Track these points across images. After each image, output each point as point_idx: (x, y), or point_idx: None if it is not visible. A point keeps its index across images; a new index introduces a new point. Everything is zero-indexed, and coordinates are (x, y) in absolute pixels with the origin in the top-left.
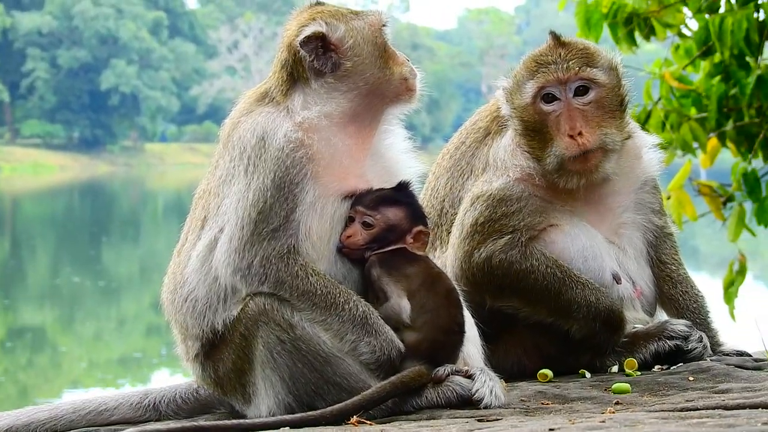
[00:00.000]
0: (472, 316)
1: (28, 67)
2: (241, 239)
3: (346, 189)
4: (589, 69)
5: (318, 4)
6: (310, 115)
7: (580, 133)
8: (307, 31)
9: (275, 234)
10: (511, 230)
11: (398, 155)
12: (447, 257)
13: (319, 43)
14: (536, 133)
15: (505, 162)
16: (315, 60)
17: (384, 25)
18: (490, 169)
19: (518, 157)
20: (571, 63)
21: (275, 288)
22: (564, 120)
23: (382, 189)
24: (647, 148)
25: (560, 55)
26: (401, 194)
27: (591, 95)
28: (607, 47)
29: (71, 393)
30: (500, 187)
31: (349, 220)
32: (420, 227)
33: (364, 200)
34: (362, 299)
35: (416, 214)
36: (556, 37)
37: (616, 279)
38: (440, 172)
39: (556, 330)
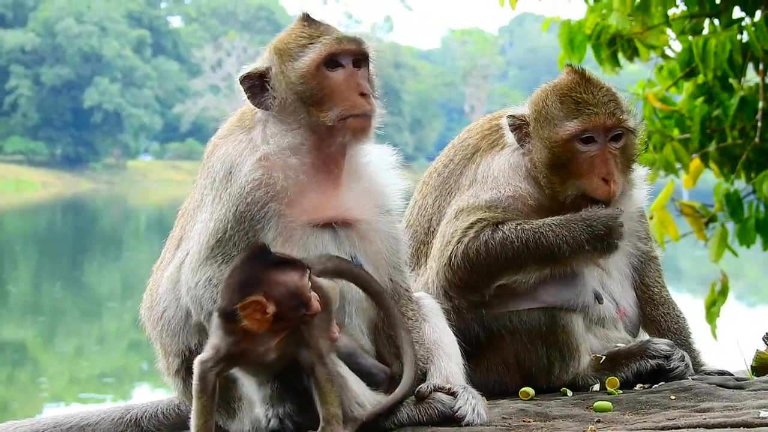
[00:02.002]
0: (455, 335)
1: (11, 84)
2: (197, 261)
3: (319, 219)
4: (625, 116)
5: (306, 21)
6: (270, 150)
7: (612, 180)
8: (245, 70)
9: (226, 260)
10: (483, 225)
11: (378, 174)
12: (429, 270)
13: (256, 81)
14: (561, 168)
15: (498, 179)
16: (251, 97)
17: (328, 61)
18: (477, 184)
19: (516, 179)
20: (614, 110)
21: (206, 319)
22: (599, 163)
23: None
24: (638, 180)
25: (594, 95)
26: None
27: (622, 141)
28: (590, 68)
29: (52, 408)
30: (489, 198)
31: None
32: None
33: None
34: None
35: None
36: (580, 73)
37: (598, 298)
38: (428, 191)
39: (546, 333)
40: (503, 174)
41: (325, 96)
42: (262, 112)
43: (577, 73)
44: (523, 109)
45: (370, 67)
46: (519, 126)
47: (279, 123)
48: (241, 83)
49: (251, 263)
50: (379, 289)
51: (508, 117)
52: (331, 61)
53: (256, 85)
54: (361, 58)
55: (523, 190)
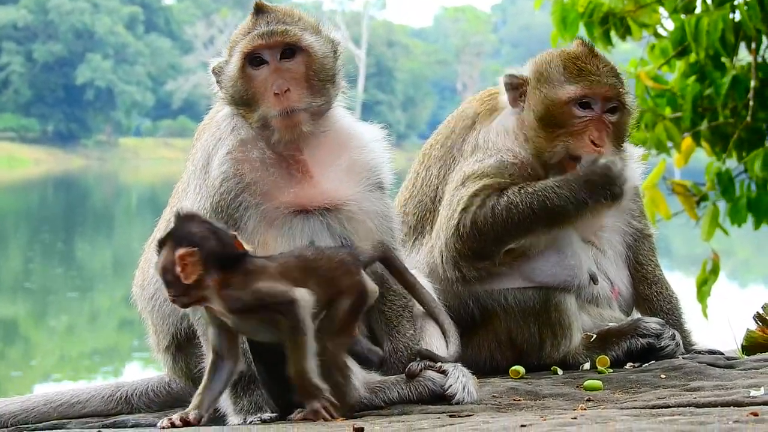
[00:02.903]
0: (449, 313)
1: (3, 60)
2: None
3: (298, 205)
4: (624, 93)
5: (254, 12)
6: (235, 144)
7: (603, 146)
8: (212, 63)
9: None
10: (489, 191)
11: (361, 151)
12: (437, 240)
13: (218, 77)
14: (551, 126)
15: (497, 144)
16: (221, 89)
17: (250, 60)
18: (479, 150)
19: (512, 142)
20: (616, 83)
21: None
22: (592, 127)
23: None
24: (633, 160)
25: (598, 68)
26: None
27: (617, 115)
28: None
29: (43, 386)
30: (493, 163)
31: None
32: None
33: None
34: (249, 354)
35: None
36: (589, 47)
37: (593, 279)
38: (431, 162)
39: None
40: (501, 138)
41: (249, 97)
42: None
43: (586, 47)
44: (524, 69)
45: (312, 53)
46: (517, 86)
47: (236, 113)
48: (212, 74)
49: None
50: (413, 279)
51: (507, 75)
52: (254, 60)
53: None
54: (291, 49)
55: (519, 156)
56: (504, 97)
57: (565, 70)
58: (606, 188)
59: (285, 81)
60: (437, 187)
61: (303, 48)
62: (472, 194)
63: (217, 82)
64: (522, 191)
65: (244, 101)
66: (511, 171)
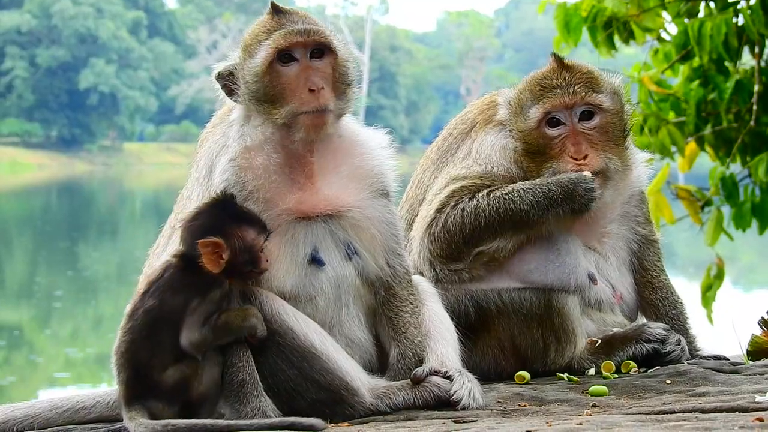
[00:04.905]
0: (450, 318)
1: (7, 65)
2: None
3: (302, 214)
4: (594, 94)
5: (271, 12)
6: (239, 150)
7: (585, 157)
8: (216, 68)
9: None
10: (464, 193)
11: (366, 157)
12: (414, 240)
13: (227, 80)
14: (537, 155)
15: (490, 157)
16: (228, 94)
17: (280, 56)
18: (470, 158)
19: (507, 159)
20: (576, 87)
21: None
22: (569, 143)
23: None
24: (638, 163)
25: (565, 78)
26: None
27: (596, 120)
28: (594, 60)
29: (48, 392)
30: (480, 171)
31: None
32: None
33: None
34: (251, 361)
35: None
36: (558, 60)
37: (592, 279)
38: (427, 165)
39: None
40: (495, 153)
41: (276, 94)
42: (239, 108)
43: (556, 61)
44: (512, 93)
45: (339, 56)
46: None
47: (249, 120)
48: (216, 80)
49: (214, 210)
50: None
51: (505, 102)
52: (284, 56)
53: (229, 82)
54: (321, 49)
55: (513, 173)
56: (503, 112)
57: (531, 95)
58: (566, 202)
59: (319, 79)
60: (426, 189)
61: (332, 49)
62: (449, 195)
63: (224, 86)
64: (490, 195)
65: (269, 98)
66: (495, 179)
